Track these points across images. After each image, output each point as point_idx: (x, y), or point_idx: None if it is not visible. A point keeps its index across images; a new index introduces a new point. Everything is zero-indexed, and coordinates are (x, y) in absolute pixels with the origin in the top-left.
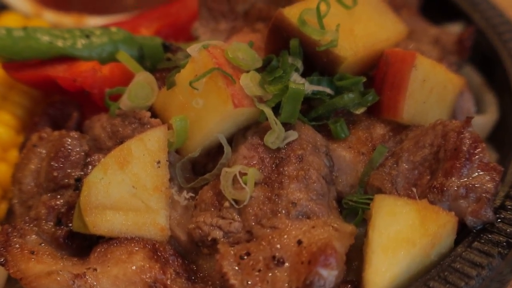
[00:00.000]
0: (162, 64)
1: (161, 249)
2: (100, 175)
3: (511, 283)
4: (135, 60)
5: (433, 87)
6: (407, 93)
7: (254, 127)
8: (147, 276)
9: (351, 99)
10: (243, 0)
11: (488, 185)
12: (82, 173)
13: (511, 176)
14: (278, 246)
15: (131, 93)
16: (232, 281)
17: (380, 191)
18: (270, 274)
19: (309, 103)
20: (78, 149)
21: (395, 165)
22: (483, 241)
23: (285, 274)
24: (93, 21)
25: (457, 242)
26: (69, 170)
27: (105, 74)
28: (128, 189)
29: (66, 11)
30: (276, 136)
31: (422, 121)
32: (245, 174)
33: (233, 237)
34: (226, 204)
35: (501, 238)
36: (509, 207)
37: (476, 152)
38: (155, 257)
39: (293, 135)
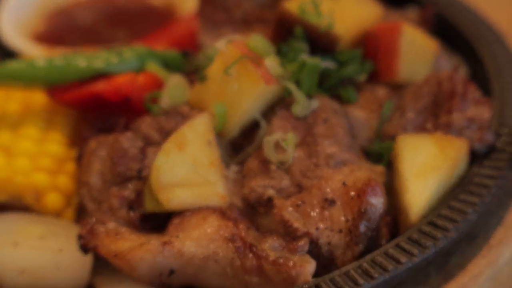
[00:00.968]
0: (186, 68)
1: (228, 211)
2: (164, 159)
3: None
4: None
5: (417, 49)
6: (400, 55)
7: (280, 103)
8: (225, 232)
9: (353, 69)
10: (238, 7)
11: (485, 115)
12: (142, 165)
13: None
14: (327, 190)
15: (169, 93)
16: (296, 225)
17: (394, 138)
18: (326, 213)
19: (319, 79)
20: (134, 146)
21: (402, 115)
22: (491, 159)
23: (339, 210)
24: None
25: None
26: (130, 164)
27: (142, 82)
28: (189, 168)
29: (69, 48)
30: (301, 105)
31: (414, 80)
32: (284, 139)
33: (285, 192)
34: (273, 167)
35: (504, 155)
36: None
37: (469, 90)
38: (226, 217)
39: (315, 102)
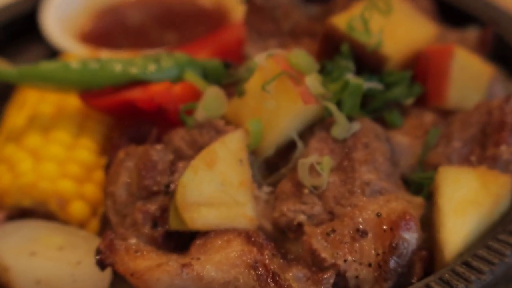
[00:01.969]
0: (226, 80)
1: (254, 235)
2: (191, 176)
3: None
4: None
5: (471, 75)
6: (450, 80)
7: (319, 123)
8: (248, 258)
9: (400, 92)
10: (287, 19)
11: None
12: (170, 179)
13: None
14: (360, 220)
15: (205, 105)
16: (323, 255)
17: (437, 167)
18: (357, 245)
19: (363, 100)
20: (163, 159)
21: (448, 144)
22: None
23: (371, 242)
24: None
25: None
26: (158, 178)
27: (178, 92)
28: (217, 187)
29: (116, 49)
30: (341, 127)
31: (464, 106)
32: (319, 163)
33: (317, 219)
34: (306, 191)
35: None
36: None
37: None
38: (251, 242)
39: (356, 125)
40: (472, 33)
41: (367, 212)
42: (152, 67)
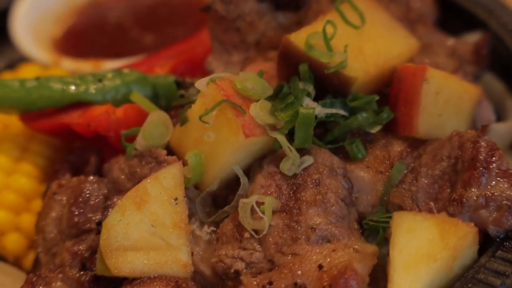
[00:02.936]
0: (176, 101)
1: (183, 285)
2: (118, 217)
3: None
4: (149, 99)
5: (448, 99)
6: (420, 107)
7: (269, 156)
8: None
9: (365, 119)
10: (253, 30)
11: (508, 192)
12: (103, 216)
13: None
14: (299, 272)
15: (146, 133)
16: None
17: (401, 208)
18: None
19: (325, 127)
20: (97, 193)
21: (414, 181)
22: (505, 249)
23: None
24: (111, 65)
25: (482, 253)
26: (89, 215)
27: (120, 116)
28: (147, 229)
29: (86, 57)
30: (291, 162)
31: (440, 134)
32: (263, 203)
33: (255, 267)
34: (246, 235)
35: None
36: None
37: (493, 160)
38: None
39: (308, 160)
40: (471, 39)
41: (309, 263)
42: (93, 87)
